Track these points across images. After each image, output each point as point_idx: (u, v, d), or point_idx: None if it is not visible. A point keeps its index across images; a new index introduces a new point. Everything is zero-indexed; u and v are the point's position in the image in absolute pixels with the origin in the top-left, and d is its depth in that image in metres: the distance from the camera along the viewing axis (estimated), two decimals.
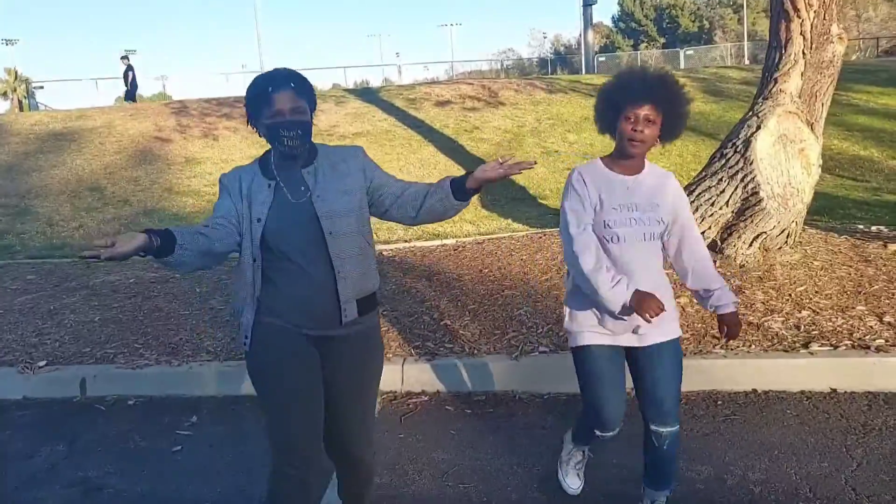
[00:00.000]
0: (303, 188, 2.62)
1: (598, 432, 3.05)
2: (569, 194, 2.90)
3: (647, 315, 2.67)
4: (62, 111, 16.90)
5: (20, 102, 25.25)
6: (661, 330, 2.90)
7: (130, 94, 23.29)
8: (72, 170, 11.89)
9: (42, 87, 41.36)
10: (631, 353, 2.97)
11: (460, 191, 2.62)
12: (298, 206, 2.59)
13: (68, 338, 5.56)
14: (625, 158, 2.88)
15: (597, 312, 2.89)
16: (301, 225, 2.58)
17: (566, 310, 3.01)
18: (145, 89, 50.72)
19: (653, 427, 2.93)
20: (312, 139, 2.69)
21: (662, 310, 2.69)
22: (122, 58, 23.81)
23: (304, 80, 2.61)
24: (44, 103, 34.70)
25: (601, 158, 2.96)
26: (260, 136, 2.64)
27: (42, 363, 5.13)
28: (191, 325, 5.63)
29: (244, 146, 12.95)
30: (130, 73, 23.14)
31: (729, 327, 2.92)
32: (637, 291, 2.73)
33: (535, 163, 2.66)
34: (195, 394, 4.79)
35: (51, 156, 12.54)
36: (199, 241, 2.48)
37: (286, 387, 2.62)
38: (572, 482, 3.32)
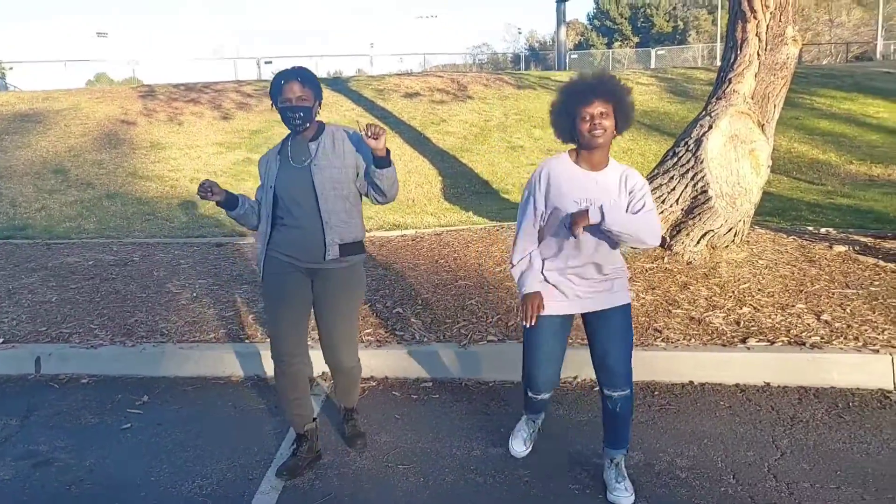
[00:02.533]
0: (304, 158, 3.36)
1: (529, 393, 3.34)
2: (526, 193, 3.17)
3: (521, 317, 3.08)
4: (28, 92, 16.63)
5: None
6: (610, 297, 3.14)
7: None
8: (36, 151, 11.76)
9: (11, 69, 40.33)
10: (585, 318, 3.21)
11: (376, 160, 3.28)
12: (300, 169, 3.35)
13: (25, 317, 5.58)
14: (590, 150, 3.02)
15: (548, 281, 3.14)
16: (300, 185, 3.32)
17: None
18: (116, 73, 49.89)
19: (605, 391, 3.17)
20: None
21: (536, 313, 3.05)
22: None
23: (311, 74, 3.35)
24: (14, 84, 33.86)
25: (568, 153, 3.12)
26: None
27: None
28: (147, 308, 5.66)
29: (209, 132, 12.88)
30: None
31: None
32: (524, 296, 3.10)
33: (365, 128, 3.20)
34: (148, 374, 4.84)
35: (15, 137, 12.36)
36: (253, 207, 3.49)
37: (277, 304, 3.44)
38: (517, 446, 3.60)
